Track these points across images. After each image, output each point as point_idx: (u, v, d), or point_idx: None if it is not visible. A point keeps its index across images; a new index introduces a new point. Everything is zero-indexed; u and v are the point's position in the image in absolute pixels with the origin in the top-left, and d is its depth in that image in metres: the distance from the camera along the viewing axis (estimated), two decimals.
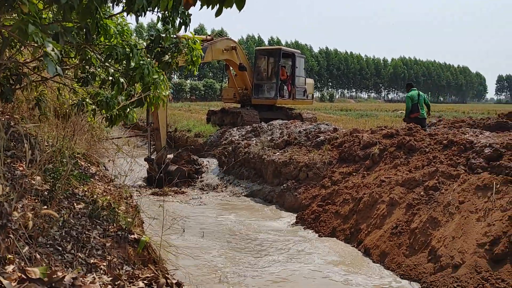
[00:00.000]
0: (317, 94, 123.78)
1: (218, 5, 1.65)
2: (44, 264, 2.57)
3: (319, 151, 9.90)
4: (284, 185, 9.38)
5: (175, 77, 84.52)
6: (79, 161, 6.67)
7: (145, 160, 12.13)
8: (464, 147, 7.10)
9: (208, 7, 1.69)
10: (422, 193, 6.51)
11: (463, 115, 30.51)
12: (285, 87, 17.67)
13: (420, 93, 11.98)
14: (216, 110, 19.16)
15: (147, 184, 11.62)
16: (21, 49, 5.57)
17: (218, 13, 1.73)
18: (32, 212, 3.04)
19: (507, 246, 4.90)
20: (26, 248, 2.58)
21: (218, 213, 8.64)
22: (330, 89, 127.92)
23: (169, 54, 4.73)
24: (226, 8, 1.66)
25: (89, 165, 7.21)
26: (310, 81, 19.74)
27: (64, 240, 3.25)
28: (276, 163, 10.08)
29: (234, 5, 1.66)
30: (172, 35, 4.77)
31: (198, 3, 2.51)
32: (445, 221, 5.82)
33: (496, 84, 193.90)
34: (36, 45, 2.74)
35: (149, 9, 4.13)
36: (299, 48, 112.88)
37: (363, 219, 7.06)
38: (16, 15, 3.24)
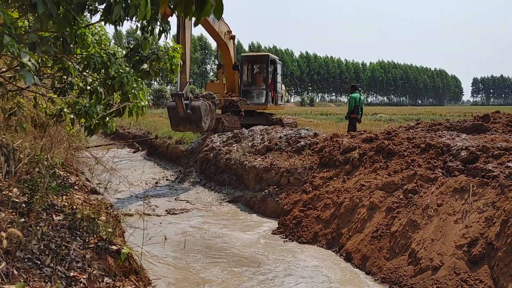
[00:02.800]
0: (297, 99, 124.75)
1: (196, 14, 1.66)
2: (22, 280, 2.53)
3: (300, 156, 9.96)
4: (266, 190, 9.40)
5: (156, 83, 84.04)
6: (57, 170, 6.58)
7: (172, 95, 11.86)
8: (441, 150, 7.23)
9: (186, 17, 1.70)
10: (401, 196, 6.60)
11: (441, 118, 31.05)
12: (269, 93, 17.82)
13: (361, 97, 14.18)
14: None
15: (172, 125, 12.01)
16: None
17: (196, 23, 1.74)
18: (9, 226, 3.00)
19: (484, 247, 5.00)
20: (3, 264, 2.54)
21: (200, 221, 8.60)
22: (310, 93, 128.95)
23: (147, 62, 4.71)
24: (204, 17, 1.67)
25: (68, 174, 7.10)
26: (283, 87, 19.99)
27: (42, 254, 3.20)
28: (258, 169, 10.09)
29: (212, 14, 1.68)
30: (151, 44, 4.76)
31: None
32: (424, 224, 5.91)
33: (471, 86, 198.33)
34: (12, 56, 2.70)
35: (127, 18, 4.11)
36: (281, 53, 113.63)
37: (344, 223, 7.12)
38: None
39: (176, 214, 9.11)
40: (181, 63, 5.34)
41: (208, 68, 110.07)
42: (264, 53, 18.91)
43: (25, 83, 2.74)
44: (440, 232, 5.59)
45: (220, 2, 1.52)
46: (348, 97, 14.51)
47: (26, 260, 2.94)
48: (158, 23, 4.22)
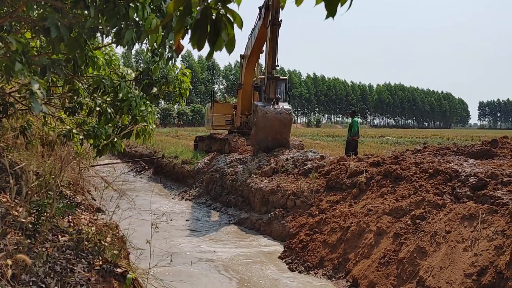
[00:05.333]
0: (303, 119, 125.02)
1: (208, 48, 1.68)
2: None
3: (306, 179, 9.92)
4: (272, 213, 9.34)
5: (163, 102, 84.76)
6: (64, 190, 6.59)
7: (269, 78, 12.85)
8: (450, 176, 7.17)
9: (199, 50, 1.72)
10: (409, 222, 6.53)
11: (448, 141, 30.89)
12: None
13: (360, 121, 15.12)
14: (204, 136, 19.13)
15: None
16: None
17: (208, 57, 1.76)
18: (16, 248, 2.98)
19: (494, 276, 4.91)
20: None
21: (205, 243, 8.54)
22: (317, 114, 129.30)
23: (157, 86, 4.75)
24: (216, 51, 1.69)
25: (74, 193, 7.11)
26: None
27: (47, 277, 3.18)
28: (264, 191, 10.06)
29: (224, 48, 1.70)
30: (160, 67, 4.81)
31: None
32: (432, 251, 5.83)
33: (478, 110, 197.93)
34: (21, 83, 2.74)
35: (137, 42, 4.17)
36: (289, 74, 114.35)
37: (351, 248, 7.04)
38: (3, 51, 3.25)
39: (181, 234, 9.05)
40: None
41: (216, 88, 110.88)
42: (284, 77, 19.09)
43: (33, 111, 2.76)
44: (449, 259, 5.50)
45: (232, 38, 1.55)
46: (350, 121, 15.29)
47: (31, 284, 2.92)
48: (167, 49, 4.27)
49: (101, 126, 5.19)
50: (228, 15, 1.51)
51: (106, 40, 4.78)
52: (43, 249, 3.58)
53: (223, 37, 1.50)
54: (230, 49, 1.59)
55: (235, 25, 1.54)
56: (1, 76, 5.04)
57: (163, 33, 4.10)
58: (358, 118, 15.28)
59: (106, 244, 4.53)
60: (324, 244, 7.54)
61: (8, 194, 4.44)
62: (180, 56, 4.98)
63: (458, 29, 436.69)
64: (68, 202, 6.05)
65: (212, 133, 19.00)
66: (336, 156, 11.51)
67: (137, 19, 3.62)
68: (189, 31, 1.63)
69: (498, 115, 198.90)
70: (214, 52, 1.58)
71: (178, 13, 1.66)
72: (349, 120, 15.33)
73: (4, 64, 3.01)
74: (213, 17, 1.50)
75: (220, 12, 1.49)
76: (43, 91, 2.88)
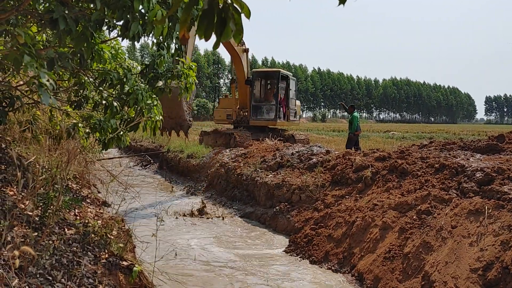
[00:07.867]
0: (309, 114, 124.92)
1: (215, 37, 1.67)
2: None
3: (312, 173, 9.90)
4: (277, 207, 9.34)
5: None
6: (70, 183, 6.62)
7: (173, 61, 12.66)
8: (456, 171, 7.13)
9: (206, 40, 1.71)
10: (414, 217, 6.51)
11: (454, 137, 30.73)
12: (281, 108, 17.81)
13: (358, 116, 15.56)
14: (209, 131, 19.16)
15: None
16: (14, 72, 5.57)
17: (215, 46, 1.74)
18: (22, 241, 3.00)
19: (500, 271, 4.89)
20: (16, 280, 2.53)
21: (210, 237, 8.56)
22: (322, 109, 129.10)
23: (163, 79, 4.75)
24: (224, 41, 1.68)
25: (80, 187, 7.14)
26: (298, 102, 19.99)
27: (54, 269, 3.20)
28: (269, 185, 10.06)
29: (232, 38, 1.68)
30: (166, 61, 4.81)
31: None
32: (438, 246, 5.81)
33: (485, 105, 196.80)
34: (30, 75, 2.74)
35: (144, 34, 4.16)
36: (294, 69, 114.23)
37: (356, 243, 7.03)
38: (11, 43, 3.25)
39: (186, 228, 9.08)
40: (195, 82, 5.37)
41: (221, 83, 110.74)
42: (276, 69, 18.92)
43: (43, 103, 2.76)
44: (455, 254, 5.48)
45: (240, 27, 1.54)
46: (350, 116, 15.15)
47: (38, 276, 2.94)
48: (174, 41, 4.26)
49: (107, 119, 5.19)
50: (235, 5, 1.50)
51: (112, 34, 4.78)
52: (49, 242, 3.61)
53: (230, 27, 1.49)
54: (238, 39, 1.59)
55: (242, 15, 1.53)
56: (8, 69, 5.05)
57: (169, 25, 4.09)
58: (357, 113, 15.31)
59: (112, 237, 4.55)
60: (329, 238, 7.54)
61: (15, 187, 4.47)
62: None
63: (464, 24, 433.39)
64: (74, 196, 6.08)
65: (216, 127, 19.05)
66: (341, 151, 11.47)
67: (142, 11, 3.61)
68: (195, 22, 1.62)
69: (505, 110, 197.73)
70: (221, 41, 1.57)
71: (183, 4, 1.65)
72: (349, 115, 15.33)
73: (13, 58, 3.01)
74: (220, 6, 1.49)
75: (227, 2, 1.48)
76: (53, 83, 2.88)
